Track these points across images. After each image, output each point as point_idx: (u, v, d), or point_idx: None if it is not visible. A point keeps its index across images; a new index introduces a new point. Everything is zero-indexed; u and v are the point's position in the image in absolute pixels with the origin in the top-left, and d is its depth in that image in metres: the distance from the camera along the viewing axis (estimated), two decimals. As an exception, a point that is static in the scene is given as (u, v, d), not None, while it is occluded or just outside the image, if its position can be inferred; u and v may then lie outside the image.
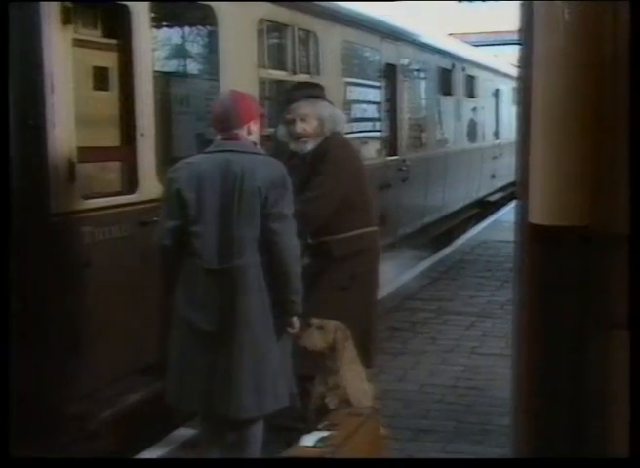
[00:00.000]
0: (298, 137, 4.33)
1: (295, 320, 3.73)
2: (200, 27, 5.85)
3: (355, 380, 3.87)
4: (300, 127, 4.32)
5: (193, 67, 5.99)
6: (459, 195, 12.82)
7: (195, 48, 5.96)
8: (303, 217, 3.84)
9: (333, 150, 4.32)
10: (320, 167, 4.28)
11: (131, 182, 4.70)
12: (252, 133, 3.80)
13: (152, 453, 4.34)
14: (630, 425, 1.65)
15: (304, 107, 4.34)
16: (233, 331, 3.59)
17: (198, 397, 3.67)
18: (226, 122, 3.73)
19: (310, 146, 4.33)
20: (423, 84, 11.12)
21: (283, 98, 4.51)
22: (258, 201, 3.57)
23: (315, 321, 3.84)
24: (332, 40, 7.58)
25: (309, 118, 4.33)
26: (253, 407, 3.65)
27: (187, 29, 5.77)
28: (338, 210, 4.33)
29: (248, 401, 3.62)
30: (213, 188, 3.60)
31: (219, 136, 3.77)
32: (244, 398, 3.62)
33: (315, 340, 3.81)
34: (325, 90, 4.72)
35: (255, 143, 3.82)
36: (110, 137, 4.68)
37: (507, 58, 18.51)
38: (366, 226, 4.49)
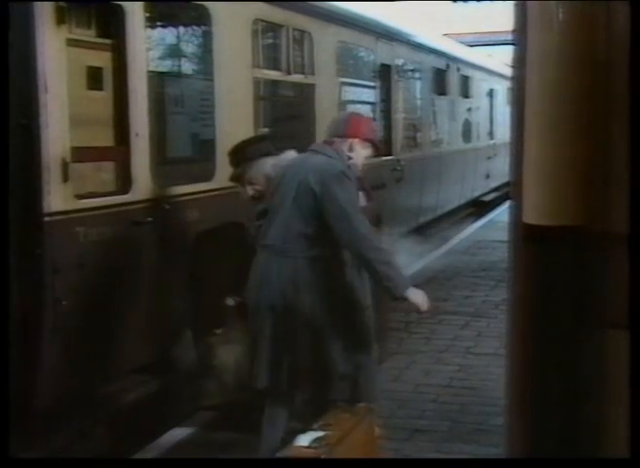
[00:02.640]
0: (253, 199, 4.39)
1: (411, 300, 3.80)
2: (194, 27, 5.85)
3: None
4: (250, 190, 4.40)
5: (188, 67, 5.99)
6: (453, 195, 12.83)
7: (190, 48, 5.96)
8: None
9: None
10: None
11: (125, 182, 4.69)
12: (354, 151, 4.09)
13: (148, 453, 4.34)
14: (630, 425, 1.65)
15: (249, 171, 4.38)
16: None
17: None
18: (331, 128, 4.22)
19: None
20: (418, 84, 11.13)
21: (233, 160, 4.56)
22: (312, 198, 3.78)
23: None
24: (326, 40, 7.58)
25: (255, 180, 4.37)
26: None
27: (182, 29, 5.76)
28: None
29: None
30: (287, 181, 3.90)
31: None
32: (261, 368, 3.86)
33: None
34: (269, 139, 4.83)
35: (350, 158, 4.06)
36: (104, 137, 4.67)
37: (502, 59, 18.53)
38: None
